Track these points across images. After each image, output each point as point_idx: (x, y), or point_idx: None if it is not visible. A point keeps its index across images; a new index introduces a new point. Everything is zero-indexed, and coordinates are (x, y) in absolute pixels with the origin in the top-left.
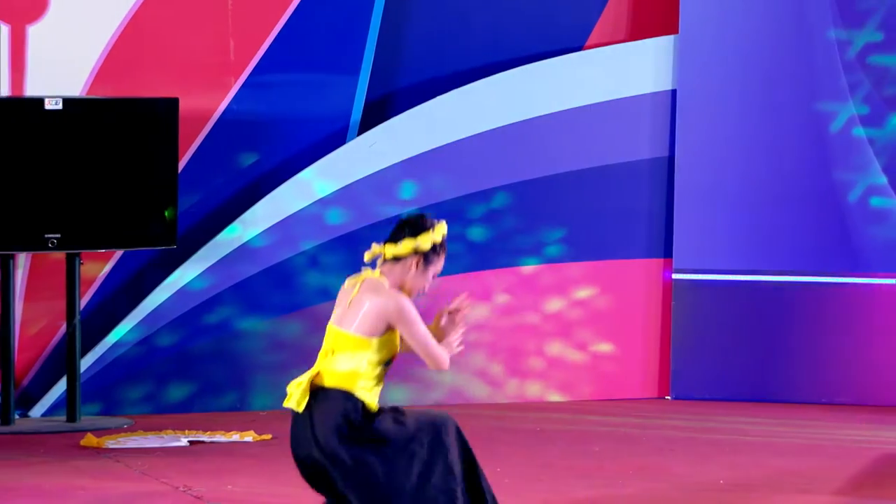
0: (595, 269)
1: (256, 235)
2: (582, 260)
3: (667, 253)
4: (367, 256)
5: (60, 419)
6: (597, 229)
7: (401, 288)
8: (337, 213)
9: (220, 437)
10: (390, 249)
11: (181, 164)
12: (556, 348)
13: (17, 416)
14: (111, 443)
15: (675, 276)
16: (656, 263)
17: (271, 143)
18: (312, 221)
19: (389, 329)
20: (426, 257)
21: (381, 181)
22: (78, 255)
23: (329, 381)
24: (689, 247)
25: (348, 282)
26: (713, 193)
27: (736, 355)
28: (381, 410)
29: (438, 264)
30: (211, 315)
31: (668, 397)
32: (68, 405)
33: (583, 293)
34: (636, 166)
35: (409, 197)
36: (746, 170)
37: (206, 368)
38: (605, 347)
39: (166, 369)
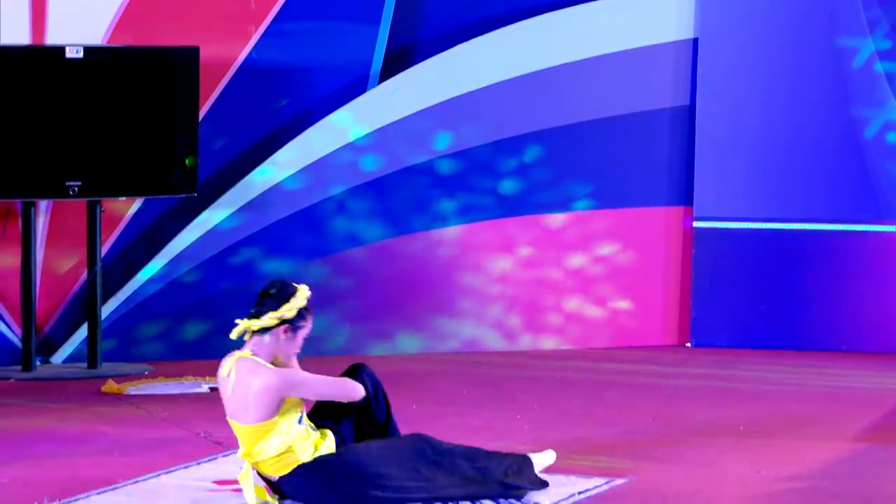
0: (617, 218)
1: (283, 180)
2: (604, 208)
3: (687, 201)
4: (233, 334)
5: (81, 366)
6: (618, 178)
7: (274, 358)
8: (365, 159)
9: None
10: (256, 324)
11: (202, 113)
12: (574, 304)
13: (38, 363)
14: (132, 389)
15: (695, 223)
16: (677, 211)
17: (292, 92)
18: (340, 167)
19: (285, 400)
20: (293, 324)
21: (404, 129)
22: (99, 202)
23: (276, 470)
24: (710, 195)
25: (222, 367)
26: (734, 142)
27: (756, 302)
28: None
29: (307, 328)
30: (235, 257)
31: (689, 344)
32: (89, 352)
33: (606, 249)
34: (657, 115)
35: (442, 147)
36: (767, 118)
37: (227, 310)
38: (623, 304)
39: (187, 312)
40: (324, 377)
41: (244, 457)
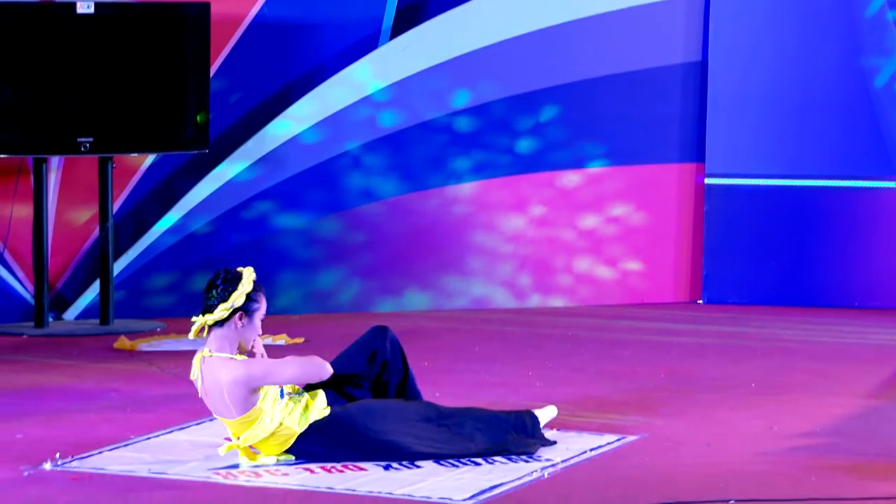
0: (629, 175)
1: (298, 134)
2: (615, 165)
3: (699, 158)
4: (191, 335)
5: (94, 322)
6: (629, 135)
7: (238, 346)
8: (381, 114)
9: None
10: (210, 318)
11: (213, 69)
12: (585, 264)
13: (50, 319)
14: (144, 345)
15: (707, 180)
16: (689, 168)
17: (303, 48)
18: (356, 121)
19: (259, 388)
20: (246, 309)
21: (421, 84)
22: (110, 158)
23: (276, 448)
24: (722, 151)
25: (192, 370)
26: (746, 97)
27: (768, 259)
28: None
29: (261, 309)
30: (249, 211)
31: (700, 302)
32: (101, 308)
33: (617, 208)
34: (669, 71)
35: (459, 103)
36: (779, 73)
37: (240, 265)
38: (635, 266)
39: (200, 267)
40: (290, 360)
41: (237, 446)
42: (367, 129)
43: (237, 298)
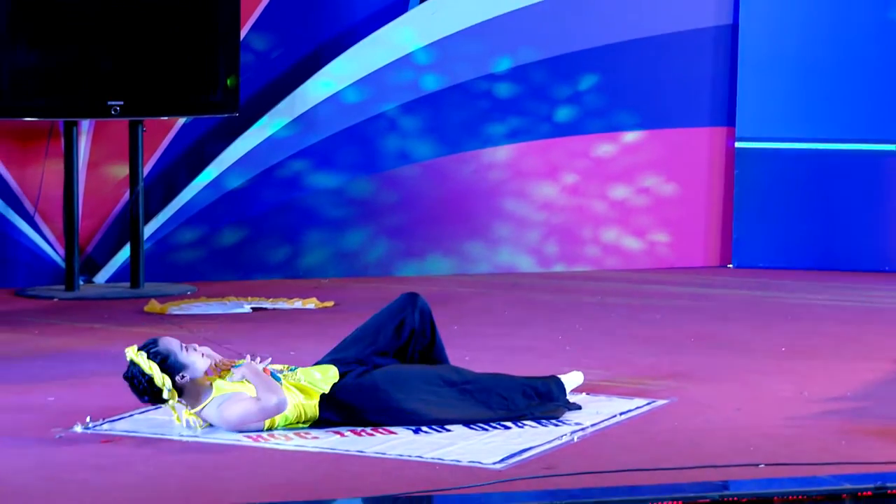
0: (659, 139)
1: (334, 94)
2: (645, 129)
3: (730, 121)
4: (180, 423)
5: (124, 285)
6: (660, 99)
7: (211, 388)
8: (422, 77)
9: (282, 304)
10: (172, 402)
11: (243, 33)
12: (613, 234)
13: (81, 283)
14: (174, 309)
15: (738, 144)
16: (719, 132)
17: (334, 8)
18: (394, 83)
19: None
20: (179, 376)
21: (460, 47)
22: (141, 122)
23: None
24: (753, 115)
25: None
26: (777, 61)
27: (798, 223)
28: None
29: (192, 364)
30: (282, 170)
31: (730, 266)
32: (132, 272)
33: (648, 176)
34: (700, 34)
35: (498, 68)
36: (810, 36)
37: (273, 227)
38: (662, 237)
39: (231, 226)
40: (246, 405)
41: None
42: (406, 90)
43: (164, 383)
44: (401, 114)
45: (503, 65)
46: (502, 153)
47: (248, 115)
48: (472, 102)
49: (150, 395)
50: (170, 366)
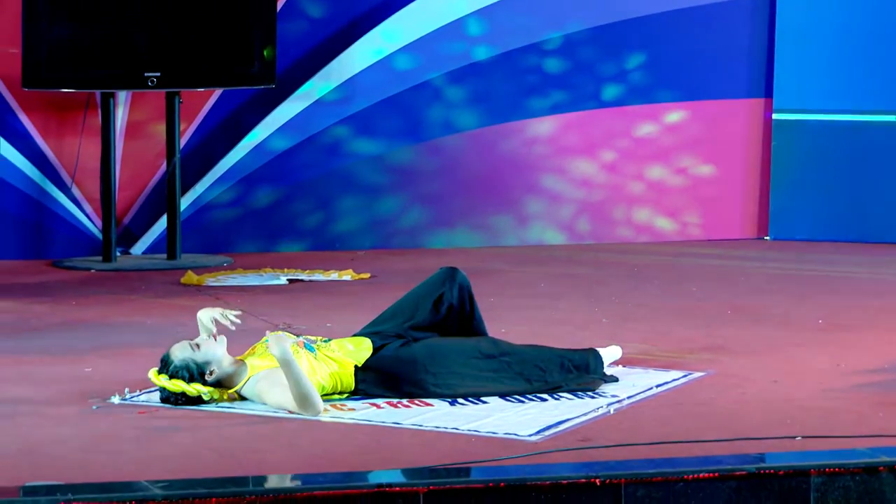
0: (695, 111)
1: (379, 61)
2: (681, 100)
3: (767, 93)
4: (226, 396)
5: (161, 257)
6: (697, 69)
7: (230, 376)
8: (474, 48)
9: (318, 276)
10: (214, 395)
11: (279, 3)
12: (644, 214)
13: (118, 254)
14: (211, 280)
15: (775, 115)
16: (757, 103)
17: None
18: (441, 52)
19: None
20: (205, 382)
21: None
22: (177, 93)
23: (344, 389)
24: (790, 86)
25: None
26: (815, 31)
27: (835, 195)
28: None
29: (208, 352)
30: (324, 138)
31: (767, 238)
32: (168, 243)
33: (686, 160)
34: (737, 4)
35: (556, 46)
36: (850, 6)
37: (312, 196)
38: (693, 218)
39: (268, 196)
40: (284, 398)
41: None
42: (454, 60)
43: (198, 391)
44: (446, 83)
45: (552, 38)
46: (544, 127)
47: (291, 81)
48: (515, 73)
49: (193, 403)
50: (194, 372)
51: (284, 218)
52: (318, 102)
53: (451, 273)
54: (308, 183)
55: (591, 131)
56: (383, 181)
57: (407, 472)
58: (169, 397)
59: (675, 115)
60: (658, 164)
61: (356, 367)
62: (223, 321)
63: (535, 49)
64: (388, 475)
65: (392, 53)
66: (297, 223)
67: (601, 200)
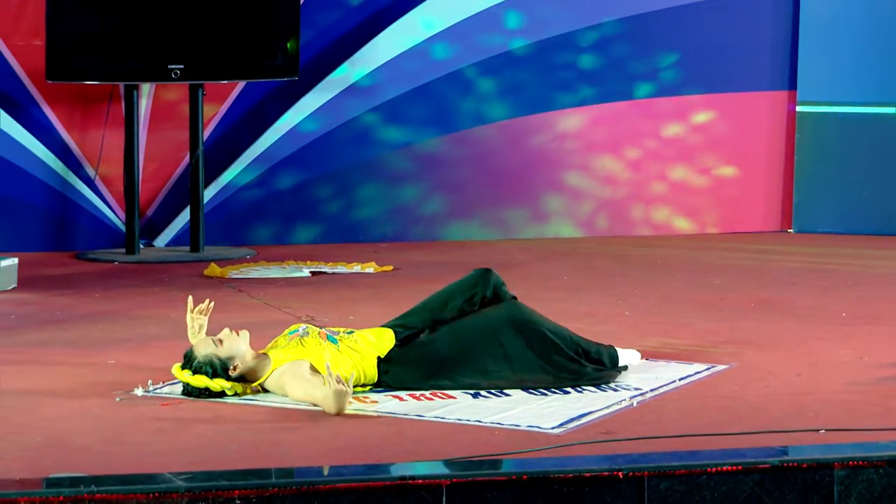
0: (718, 102)
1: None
2: (705, 92)
3: (791, 84)
4: (249, 390)
5: (184, 249)
6: (720, 61)
7: (253, 370)
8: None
9: (341, 268)
10: (237, 389)
11: None
12: (663, 215)
13: (141, 246)
14: (234, 273)
15: (799, 107)
16: (780, 96)
17: None
18: (474, 42)
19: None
20: (229, 377)
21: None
22: (201, 86)
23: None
24: (815, 78)
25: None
26: (840, 22)
27: (860, 188)
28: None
29: (231, 347)
30: (349, 130)
31: (791, 230)
32: (191, 235)
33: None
34: None
35: (591, 42)
36: None
37: (335, 190)
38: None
39: (292, 189)
40: (309, 391)
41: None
42: (480, 51)
43: (222, 386)
44: (477, 74)
45: (587, 35)
46: (571, 122)
47: (306, 82)
48: (549, 66)
49: (217, 397)
50: (217, 367)
51: (305, 204)
52: (348, 90)
53: (486, 274)
54: (332, 171)
55: (618, 128)
56: (408, 170)
57: (430, 464)
58: (192, 392)
59: (702, 115)
60: (682, 165)
61: (379, 358)
62: (198, 321)
63: (569, 44)
64: (411, 467)
65: (426, 41)
66: (327, 230)
67: (622, 198)
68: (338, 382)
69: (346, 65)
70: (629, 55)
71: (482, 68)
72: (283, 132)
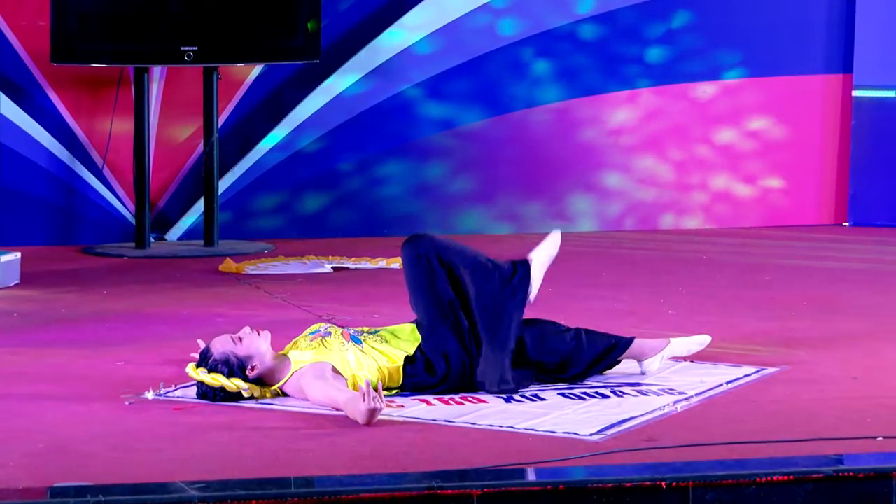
0: (769, 88)
1: (413, 44)
2: (755, 76)
3: (847, 68)
4: (269, 394)
5: (197, 243)
6: (773, 44)
7: (272, 372)
8: (501, 22)
9: (365, 264)
10: (254, 392)
11: None
12: (721, 182)
13: (152, 240)
14: (251, 268)
15: (855, 93)
16: (835, 80)
17: None
18: (474, 30)
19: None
20: (246, 378)
21: None
22: (216, 69)
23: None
24: (872, 61)
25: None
26: None
27: None
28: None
29: (251, 346)
30: (360, 126)
31: (846, 224)
32: (206, 228)
33: (757, 122)
34: None
35: (583, 10)
36: None
37: (352, 182)
38: (775, 182)
39: (310, 184)
40: (332, 393)
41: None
42: (486, 38)
43: (238, 386)
44: (480, 63)
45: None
46: (621, 115)
47: (326, 66)
48: (554, 46)
49: (232, 400)
50: (235, 367)
51: (334, 218)
52: (343, 94)
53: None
54: (357, 159)
55: (666, 125)
56: (440, 161)
57: (459, 473)
58: (207, 392)
59: (747, 91)
60: (729, 128)
61: (406, 357)
62: None
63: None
64: (439, 476)
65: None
66: (349, 222)
67: (666, 196)
68: (374, 400)
69: (371, 46)
70: (694, 49)
71: (528, 47)
72: (303, 119)
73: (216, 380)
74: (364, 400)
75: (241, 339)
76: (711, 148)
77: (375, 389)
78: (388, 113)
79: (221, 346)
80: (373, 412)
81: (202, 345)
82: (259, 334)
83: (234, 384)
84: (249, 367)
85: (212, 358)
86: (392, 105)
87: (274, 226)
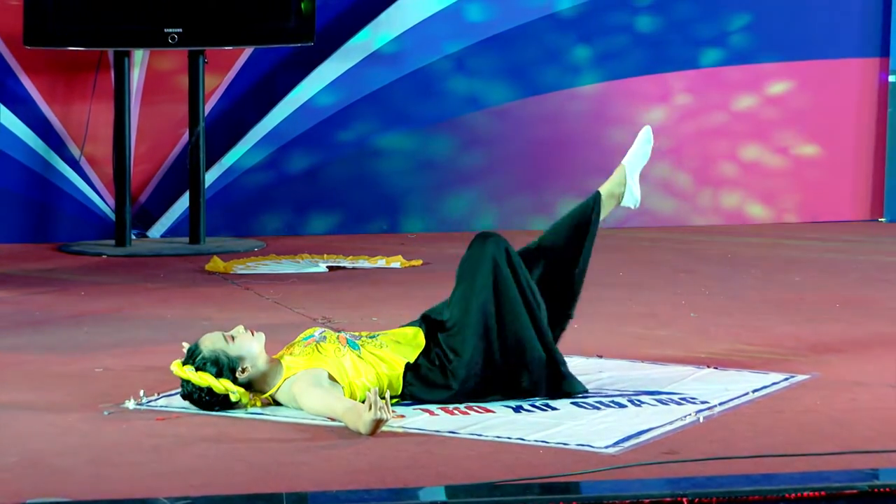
0: (801, 72)
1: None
2: (786, 60)
3: (883, 51)
4: (259, 403)
5: (182, 241)
6: (804, 25)
7: (264, 377)
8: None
9: (363, 263)
10: (244, 398)
11: None
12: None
13: (133, 237)
14: (240, 268)
15: (892, 77)
16: (871, 63)
17: None
18: (455, 21)
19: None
20: (236, 380)
21: None
22: (202, 52)
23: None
24: None
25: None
26: None
27: None
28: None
29: (243, 346)
30: (346, 133)
31: (882, 220)
32: (191, 225)
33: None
34: None
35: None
36: None
37: (347, 176)
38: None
39: (301, 174)
40: (330, 402)
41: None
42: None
43: (226, 388)
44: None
45: None
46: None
47: (320, 49)
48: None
49: (218, 404)
50: (224, 366)
51: (320, 189)
52: (370, 58)
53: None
54: (352, 151)
55: (683, 99)
56: (440, 151)
57: (464, 488)
58: (192, 393)
59: (778, 86)
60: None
61: (407, 364)
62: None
63: (625, 4)
64: (442, 492)
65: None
66: (342, 218)
67: (687, 181)
68: (381, 410)
69: (367, 29)
70: (693, 17)
71: (521, 32)
72: (296, 106)
73: (204, 379)
74: (370, 409)
75: (233, 338)
76: (735, 118)
77: (382, 398)
78: (388, 99)
79: (212, 343)
80: (378, 423)
81: (186, 348)
82: (253, 335)
83: (222, 385)
84: (240, 368)
85: (200, 355)
86: (391, 90)
87: (265, 222)
